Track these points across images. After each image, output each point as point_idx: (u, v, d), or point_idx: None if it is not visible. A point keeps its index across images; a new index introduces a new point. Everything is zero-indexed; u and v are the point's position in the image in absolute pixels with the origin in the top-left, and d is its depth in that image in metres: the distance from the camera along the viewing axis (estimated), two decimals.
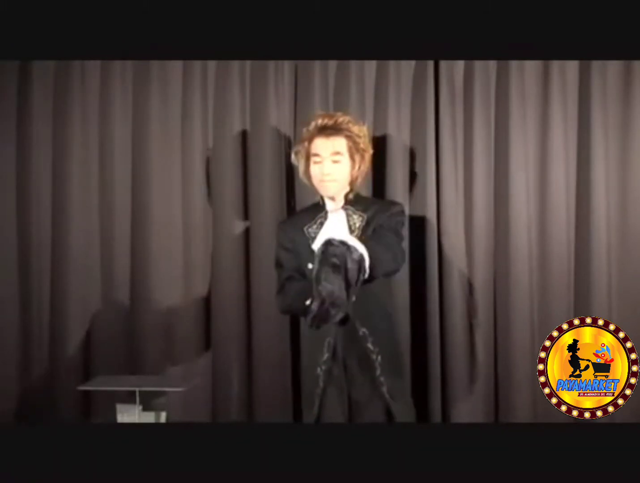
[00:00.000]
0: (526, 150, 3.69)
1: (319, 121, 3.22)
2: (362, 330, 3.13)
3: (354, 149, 3.21)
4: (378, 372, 3.12)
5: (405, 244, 3.52)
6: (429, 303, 3.68)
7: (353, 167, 3.23)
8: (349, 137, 3.20)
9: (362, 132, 3.25)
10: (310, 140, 3.23)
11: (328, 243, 2.83)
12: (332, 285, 2.78)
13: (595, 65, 3.66)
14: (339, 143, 3.20)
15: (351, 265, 2.82)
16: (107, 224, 3.78)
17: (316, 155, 3.21)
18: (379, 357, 3.13)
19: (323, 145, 3.20)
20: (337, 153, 3.20)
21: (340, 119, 3.22)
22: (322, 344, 3.13)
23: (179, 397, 3.56)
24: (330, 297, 2.78)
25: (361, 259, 2.86)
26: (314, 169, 3.23)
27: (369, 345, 3.12)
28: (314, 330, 2.94)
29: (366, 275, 2.90)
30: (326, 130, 3.20)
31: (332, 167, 3.20)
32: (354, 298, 3.01)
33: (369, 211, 3.22)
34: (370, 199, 3.48)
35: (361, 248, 2.88)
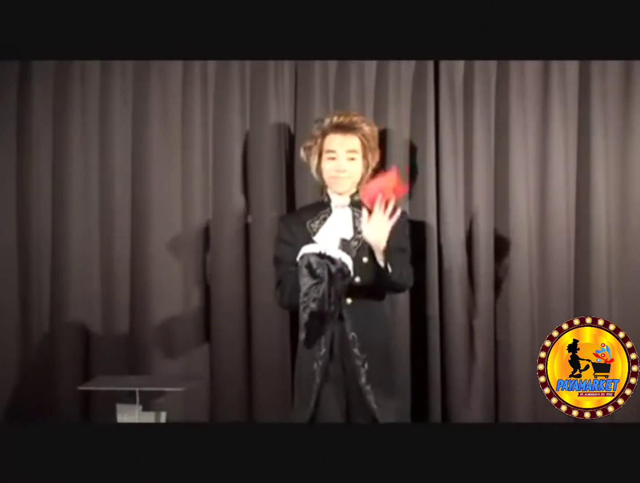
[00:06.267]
0: (526, 150, 3.69)
1: (334, 118, 3.25)
2: (352, 334, 3.12)
3: (367, 148, 3.26)
4: (363, 379, 3.12)
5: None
6: (428, 303, 3.68)
7: (365, 166, 3.27)
8: (363, 136, 3.25)
9: (374, 132, 3.30)
10: (323, 136, 3.25)
11: (308, 256, 2.92)
12: (315, 299, 2.88)
13: (595, 65, 3.66)
14: (354, 141, 3.24)
15: (334, 274, 2.90)
16: (107, 223, 3.78)
17: (331, 151, 3.24)
18: (366, 364, 3.12)
19: (339, 142, 3.23)
20: (353, 150, 3.24)
21: (355, 118, 3.26)
22: (320, 340, 3.11)
23: (179, 397, 3.56)
24: (316, 312, 2.88)
25: (343, 266, 2.93)
26: (328, 165, 3.25)
27: (355, 350, 3.12)
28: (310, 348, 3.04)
29: (350, 279, 2.98)
30: (342, 128, 3.23)
31: (348, 164, 3.23)
32: (349, 301, 3.09)
33: None
34: None
35: (341, 255, 2.94)
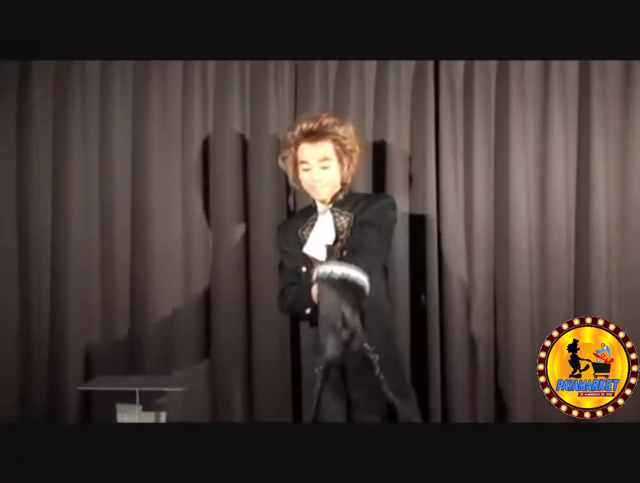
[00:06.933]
0: (526, 150, 3.69)
1: (304, 126, 3.18)
2: None
3: (342, 152, 3.19)
4: (377, 370, 3.12)
5: (405, 240, 3.61)
6: (428, 303, 3.68)
7: (342, 169, 3.21)
8: (335, 141, 3.17)
9: (348, 132, 3.21)
10: (296, 146, 3.20)
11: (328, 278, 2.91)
12: (337, 320, 2.89)
13: (595, 65, 3.65)
14: (326, 148, 3.18)
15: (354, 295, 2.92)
16: (107, 224, 3.78)
17: (304, 162, 3.19)
18: (377, 356, 3.12)
19: (310, 152, 3.18)
20: (325, 158, 3.18)
21: (325, 122, 3.17)
22: (318, 344, 3.11)
23: (179, 397, 3.56)
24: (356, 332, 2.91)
25: (363, 287, 2.93)
26: (304, 176, 3.22)
27: (365, 345, 3.12)
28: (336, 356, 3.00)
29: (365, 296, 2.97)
30: (311, 136, 3.16)
31: (322, 173, 3.19)
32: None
33: (356, 208, 3.20)
34: (360, 194, 3.38)
35: (360, 276, 2.91)
